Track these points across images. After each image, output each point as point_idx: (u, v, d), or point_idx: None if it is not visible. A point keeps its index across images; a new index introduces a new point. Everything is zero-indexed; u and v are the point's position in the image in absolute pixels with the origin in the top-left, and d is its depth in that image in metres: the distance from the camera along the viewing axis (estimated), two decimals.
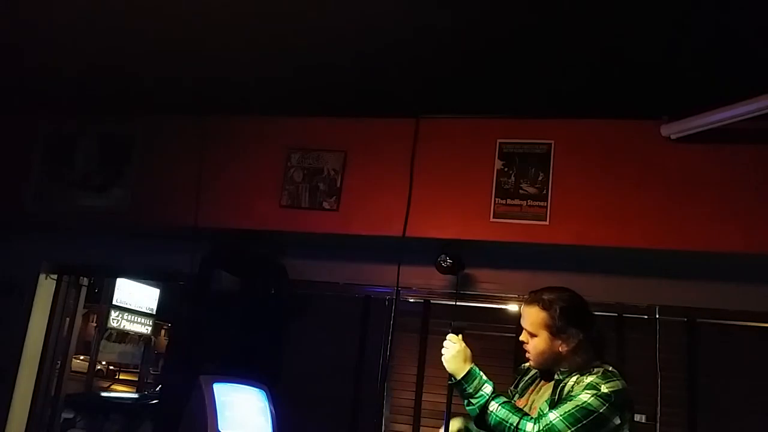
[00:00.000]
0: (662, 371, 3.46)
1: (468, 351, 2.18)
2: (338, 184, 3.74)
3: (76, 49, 3.38)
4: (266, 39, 3.12)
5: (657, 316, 3.55)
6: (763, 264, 3.24)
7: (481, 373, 2.15)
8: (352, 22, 2.91)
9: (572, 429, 1.94)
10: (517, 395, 2.29)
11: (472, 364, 2.15)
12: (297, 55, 3.25)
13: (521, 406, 2.16)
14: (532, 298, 2.21)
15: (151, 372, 17.37)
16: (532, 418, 2.03)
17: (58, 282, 4.55)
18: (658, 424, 3.39)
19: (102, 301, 13.77)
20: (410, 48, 3.07)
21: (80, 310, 4.86)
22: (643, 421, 3.38)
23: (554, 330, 2.12)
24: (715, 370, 3.45)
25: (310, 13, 2.86)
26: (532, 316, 2.17)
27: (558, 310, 2.13)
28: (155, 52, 3.33)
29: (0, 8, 3.04)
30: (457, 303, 3.70)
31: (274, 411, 3.44)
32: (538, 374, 2.28)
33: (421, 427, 3.81)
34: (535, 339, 2.16)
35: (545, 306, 2.15)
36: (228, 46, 3.21)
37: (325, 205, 3.73)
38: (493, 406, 2.06)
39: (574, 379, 2.07)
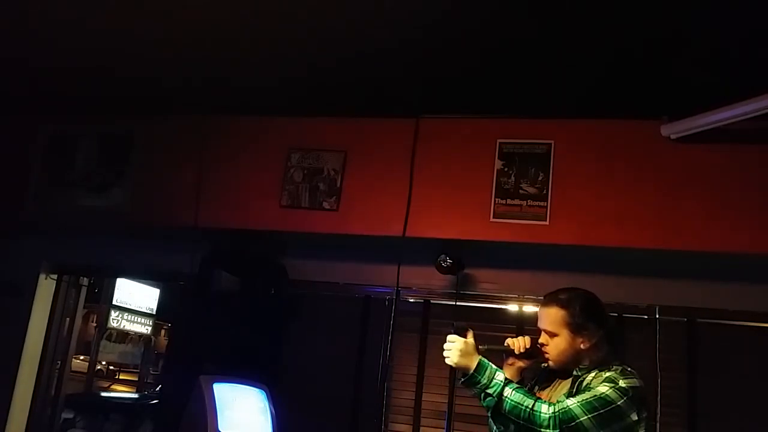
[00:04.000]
0: (662, 371, 3.46)
1: (471, 344, 2.17)
2: (338, 184, 3.74)
3: (77, 50, 3.38)
4: (266, 39, 3.12)
5: (657, 316, 3.55)
6: (763, 264, 3.24)
7: (490, 363, 2.14)
8: (352, 22, 2.91)
9: (589, 416, 1.95)
10: (536, 388, 2.30)
11: (480, 356, 2.15)
12: (297, 56, 3.25)
13: None
14: (549, 299, 2.23)
15: (151, 372, 17.38)
16: (547, 401, 2.05)
17: (58, 282, 4.55)
18: (658, 424, 3.39)
19: (102, 301, 13.78)
20: (410, 48, 3.07)
21: (80, 310, 4.86)
22: None
23: (575, 327, 2.15)
24: (715, 370, 3.45)
25: (310, 13, 2.86)
26: (551, 316, 2.19)
27: (577, 308, 2.16)
28: (155, 52, 3.33)
29: (0, 9, 3.04)
30: (457, 303, 3.70)
31: (274, 411, 3.44)
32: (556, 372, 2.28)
33: (421, 427, 3.81)
34: (556, 338, 2.17)
35: (564, 304, 2.18)
36: (228, 47, 3.21)
37: (325, 205, 3.73)
38: (508, 391, 2.06)
39: (592, 374, 2.09)
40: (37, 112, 4.21)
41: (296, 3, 2.81)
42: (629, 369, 2.09)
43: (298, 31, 3.02)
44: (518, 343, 2.26)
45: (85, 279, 4.82)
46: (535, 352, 2.25)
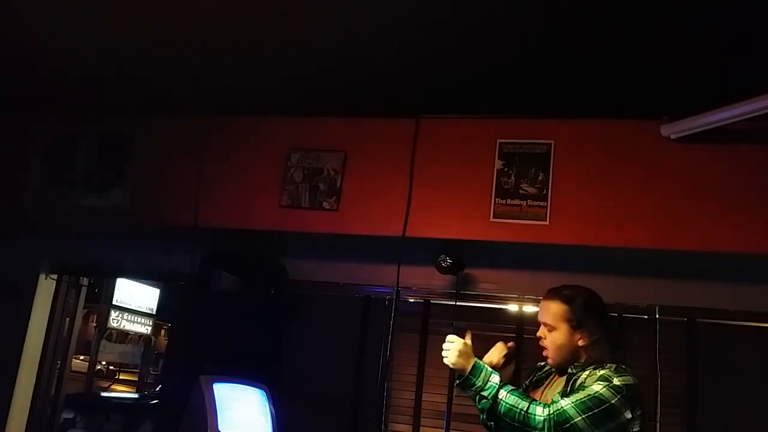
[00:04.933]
0: (662, 371, 3.46)
1: (469, 346, 2.18)
2: (338, 184, 3.74)
3: (77, 50, 3.38)
4: (266, 39, 3.12)
5: (657, 316, 3.55)
6: (763, 264, 3.24)
7: (486, 365, 2.15)
8: (352, 22, 2.91)
9: (583, 416, 1.95)
10: (530, 388, 2.30)
11: (476, 359, 2.16)
12: (297, 56, 3.25)
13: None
14: (553, 293, 2.24)
15: (151, 372, 17.36)
16: (542, 403, 2.04)
17: (58, 282, 4.55)
18: (658, 424, 3.39)
19: (102, 301, 13.75)
20: (410, 48, 3.07)
21: (80, 310, 4.86)
22: None
23: (574, 323, 2.15)
24: (715, 370, 3.45)
25: (310, 14, 2.86)
26: (552, 309, 2.20)
27: (580, 304, 2.17)
28: (156, 52, 3.33)
29: (0, 9, 3.04)
30: (457, 303, 3.70)
31: (274, 411, 3.44)
32: (552, 369, 2.29)
33: (421, 427, 3.81)
34: (555, 333, 2.18)
35: (566, 300, 2.19)
36: (228, 47, 3.21)
37: (325, 205, 3.73)
38: (502, 393, 2.07)
39: (587, 372, 2.09)
40: (37, 112, 4.21)
41: (296, 3, 2.81)
42: (623, 366, 2.10)
43: (299, 31, 3.02)
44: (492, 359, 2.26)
45: (85, 279, 4.82)
46: (509, 358, 2.28)
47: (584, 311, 2.16)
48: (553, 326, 2.18)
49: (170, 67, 3.48)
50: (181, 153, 4.00)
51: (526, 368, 2.58)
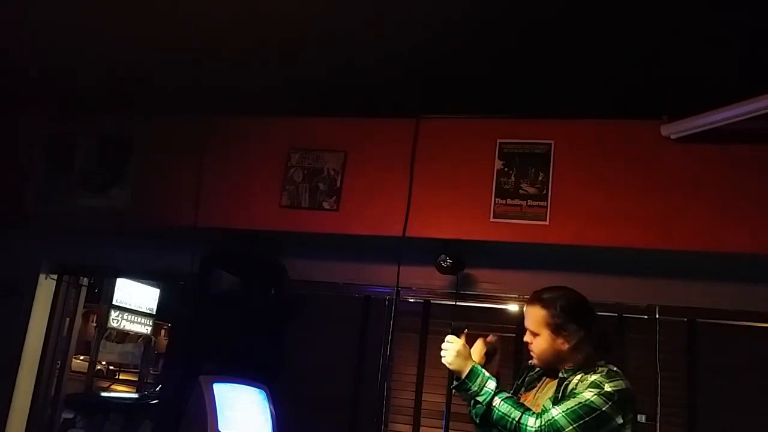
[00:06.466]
0: (662, 371, 3.46)
1: (468, 348, 2.18)
2: (338, 184, 3.74)
3: (77, 50, 3.38)
4: (267, 40, 3.12)
5: (657, 316, 3.55)
6: (763, 264, 3.24)
7: (483, 370, 2.15)
8: (352, 23, 2.91)
9: (574, 425, 1.95)
10: (523, 389, 2.30)
11: (474, 362, 2.16)
12: (298, 56, 3.25)
13: (525, 402, 2.16)
14: (533, 297, 2.23)
15: (151, 372, 17.38)
16: (534, 413, 2.04)
17: (58, 282, 4.55)
18: (658, 424, 3.39)
19: (102, 301, 13.77)
20: (411, 49, 3.07)
21: (80, 310, 4.86)
22: (643, 421, 3.38)
23: (555, 328, 2.14)
24: (715, 370, 3.45)
25: (311, 15, 2.86)
26: (533, 316, 2.19)
27: (558, 308, 2.14)
28: (156, 53, 3.33)
29: (0, 9, 3.04)
30: (457, 303, 3.70)
31: (274, 411, 3.44)
32: (543, 371, 2.28)
33: (421, 427, 3.81)
34: (538, 338, 2.17)
35: (545, 304, 2.17)
36: (228, 47, 3.21)
37: (325, 205, 3.73)
38: (496, 401, 2.07)
39: (578, 377, 2.08)
40: (37, 112, 4.21)
41: (296, 3, 2.81)
42: (615, 369, 2.08)
43: (299, 32, 3.02)
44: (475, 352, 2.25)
45: (85, 279, 4.82)
46: (490, 354, 2.28)
47: (563, 315, 2.13)
48: (535, 332, 2.18)
49: (170, 67, 3.48)
50: (181, 153, 4.00)
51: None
